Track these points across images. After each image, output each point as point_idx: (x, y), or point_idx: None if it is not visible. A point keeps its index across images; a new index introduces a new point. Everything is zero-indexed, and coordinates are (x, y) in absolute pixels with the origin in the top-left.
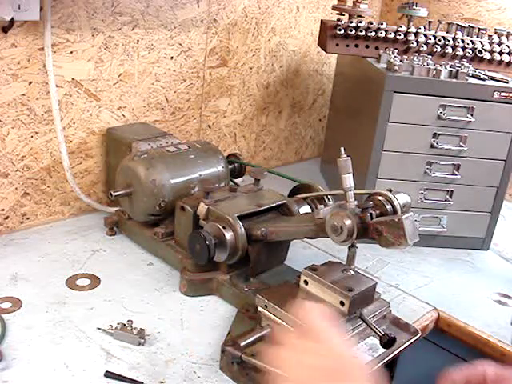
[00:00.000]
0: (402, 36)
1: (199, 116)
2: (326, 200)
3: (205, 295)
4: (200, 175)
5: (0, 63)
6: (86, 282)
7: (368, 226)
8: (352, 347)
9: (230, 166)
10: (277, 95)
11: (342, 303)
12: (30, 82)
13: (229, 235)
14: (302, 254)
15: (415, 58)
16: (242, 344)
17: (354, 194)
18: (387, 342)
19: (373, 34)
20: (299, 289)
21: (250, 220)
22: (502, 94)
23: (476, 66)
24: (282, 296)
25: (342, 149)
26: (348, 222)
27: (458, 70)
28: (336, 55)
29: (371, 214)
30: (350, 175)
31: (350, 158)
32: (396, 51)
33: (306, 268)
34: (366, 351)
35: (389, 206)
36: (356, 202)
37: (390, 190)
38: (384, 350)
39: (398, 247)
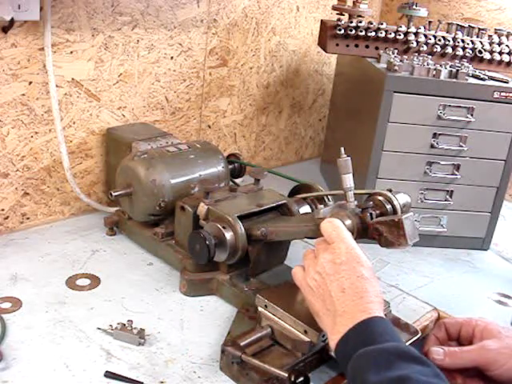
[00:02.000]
0: (402, 36)
1: (199, 116)
2: (326, 200)
3: (205, 295)
4: (200, 175)
5: (0, 63)
6: (85, 282)
7: (368, 225)
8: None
9: (230, 166)
10: (277, 95)
11: None
12: (30, 82)
13: (229, 235)
14: (302, 254)
15: (415, 58)
16: (241, 344)
17: (354, 194)
18: None
19: (373, 33)
20: (299, 289)
21: (250, 220)
22: (502, 94)
23: (476, 66)
24: (282, 296)
25: (342, 149)
26: (348, 222)
27: (457, 70)
28: (336, 55)
29: (371, 213)
30: (350, 175)
31: (350, 158)
32: (396, 51)
33: None
34: None
35: (389, 206)
36: (356, 202)
37: (390, 190)
38: None
39: (398, 247)
